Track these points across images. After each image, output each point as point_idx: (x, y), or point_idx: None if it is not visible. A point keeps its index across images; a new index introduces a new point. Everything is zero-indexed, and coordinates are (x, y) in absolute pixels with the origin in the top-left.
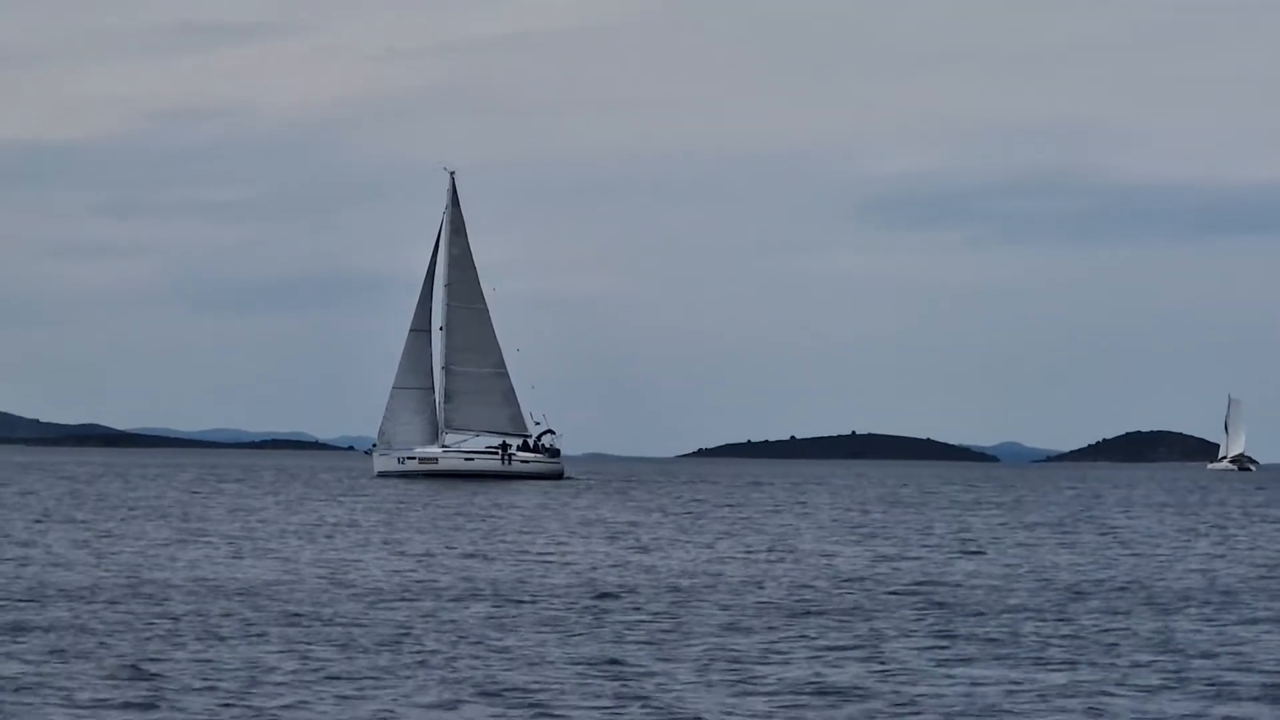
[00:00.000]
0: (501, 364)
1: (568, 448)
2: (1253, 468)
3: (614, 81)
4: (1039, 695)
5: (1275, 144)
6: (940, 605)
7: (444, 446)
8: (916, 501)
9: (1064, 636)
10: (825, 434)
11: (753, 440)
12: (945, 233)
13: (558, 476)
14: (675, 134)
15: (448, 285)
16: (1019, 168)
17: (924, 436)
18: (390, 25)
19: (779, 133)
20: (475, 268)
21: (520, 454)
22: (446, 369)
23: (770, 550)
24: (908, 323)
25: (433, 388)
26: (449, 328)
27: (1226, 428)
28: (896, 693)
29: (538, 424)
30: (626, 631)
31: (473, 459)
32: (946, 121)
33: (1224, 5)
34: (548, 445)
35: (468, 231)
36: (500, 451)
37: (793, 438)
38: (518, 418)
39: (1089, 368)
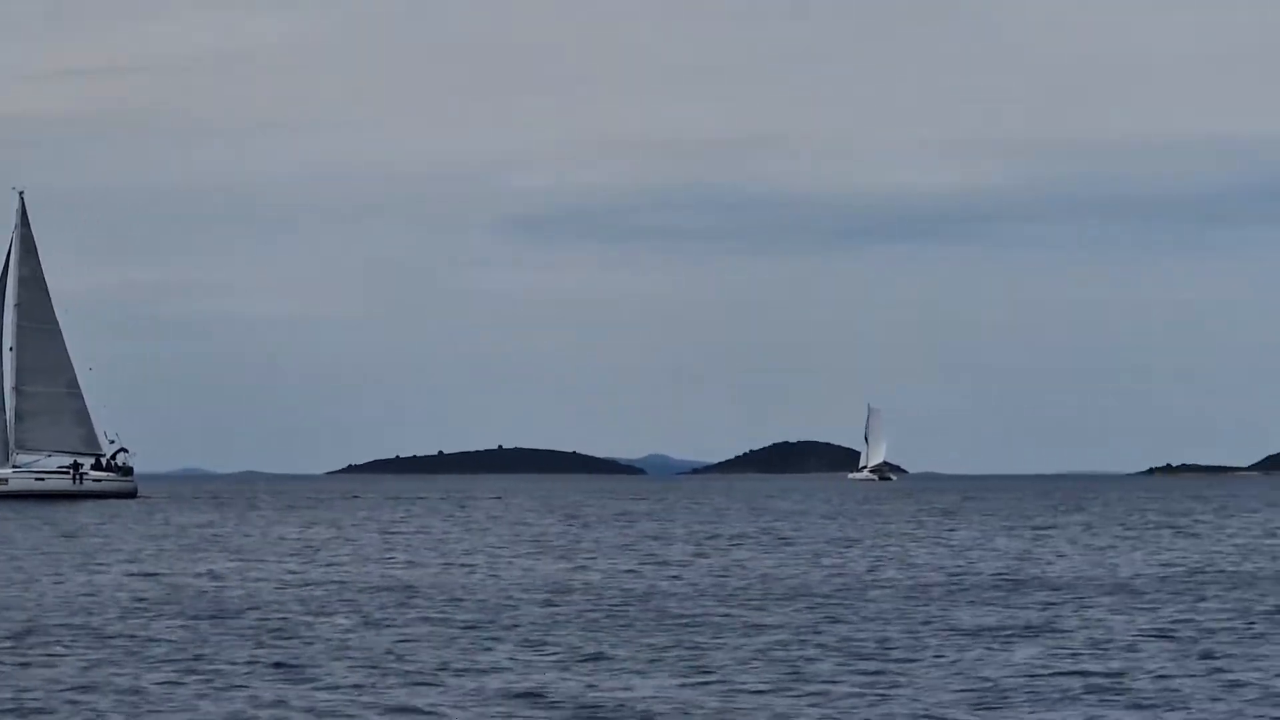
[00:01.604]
0: (75, 384)
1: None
2: (893, 477)
3: (271, 101)
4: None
5: (914, 154)
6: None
7: (15, 467)
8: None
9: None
10: (473, 448)
11: (401, 455)
12: (592, 247)
13: (131, 495)
14: (327, 152)
15: (18, 305)
16: (664, 181)
17: (570, 450)
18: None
19: (428, 150)
20: (47, 288)
21: (93, 473)
22: (17, 389)
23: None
24: (554, 337)
25: (3, 408)
26: (19, 347)
27: (867, 437)
28: None
29: (111, 442)
30: None
31: (44, 479)
32: (598, 137)
33: (858, 17)
34: (121, 464)
35: (39, 252)
36: (72, 471)
37: (440, 453)
38: (90, 437)
39: (736, 380)
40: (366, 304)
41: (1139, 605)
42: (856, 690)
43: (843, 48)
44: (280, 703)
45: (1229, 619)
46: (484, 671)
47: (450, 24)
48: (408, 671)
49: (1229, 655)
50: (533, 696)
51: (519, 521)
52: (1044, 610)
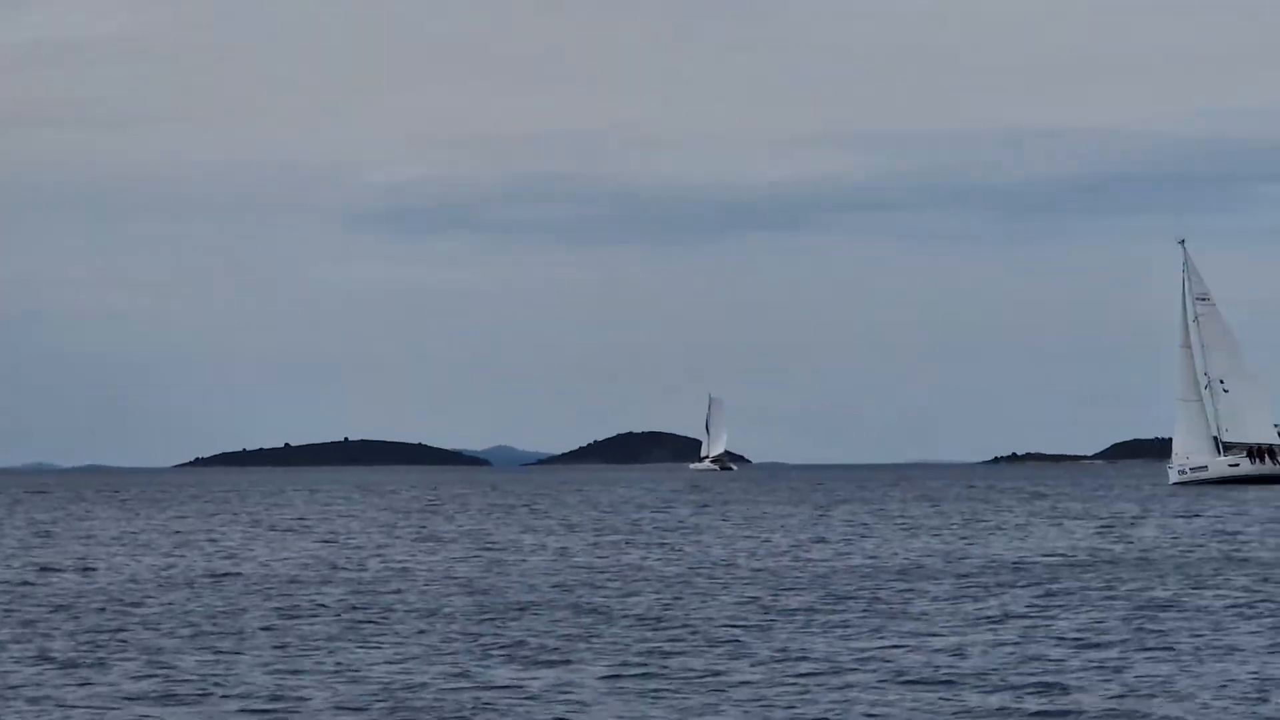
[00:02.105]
0: None
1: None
2: (734, 467)
3: (117, 94)
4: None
5: (755, 147)
6: None
7: None
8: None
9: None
10: (319, 440)
11: (248, 449)
12: (439, 241)
13: None
14: (170, 146)
15: None
16: (511, 175)
17: (416, 441)
18: None
19: (275, 145)
20: None
21: None
22: None
23: None
24: (400, 329)
25: None
26: None
27: (708, 428)
28: None
29: None
30: None
31: None
32: (445, 133)
33: (699, 9)
34: None
35: None
36: None
37: (287, 445)
38: None
39: (581, 371)
40: (213, 298)
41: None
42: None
43: (682, 41)
44: None
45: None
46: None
47: (302, 20)
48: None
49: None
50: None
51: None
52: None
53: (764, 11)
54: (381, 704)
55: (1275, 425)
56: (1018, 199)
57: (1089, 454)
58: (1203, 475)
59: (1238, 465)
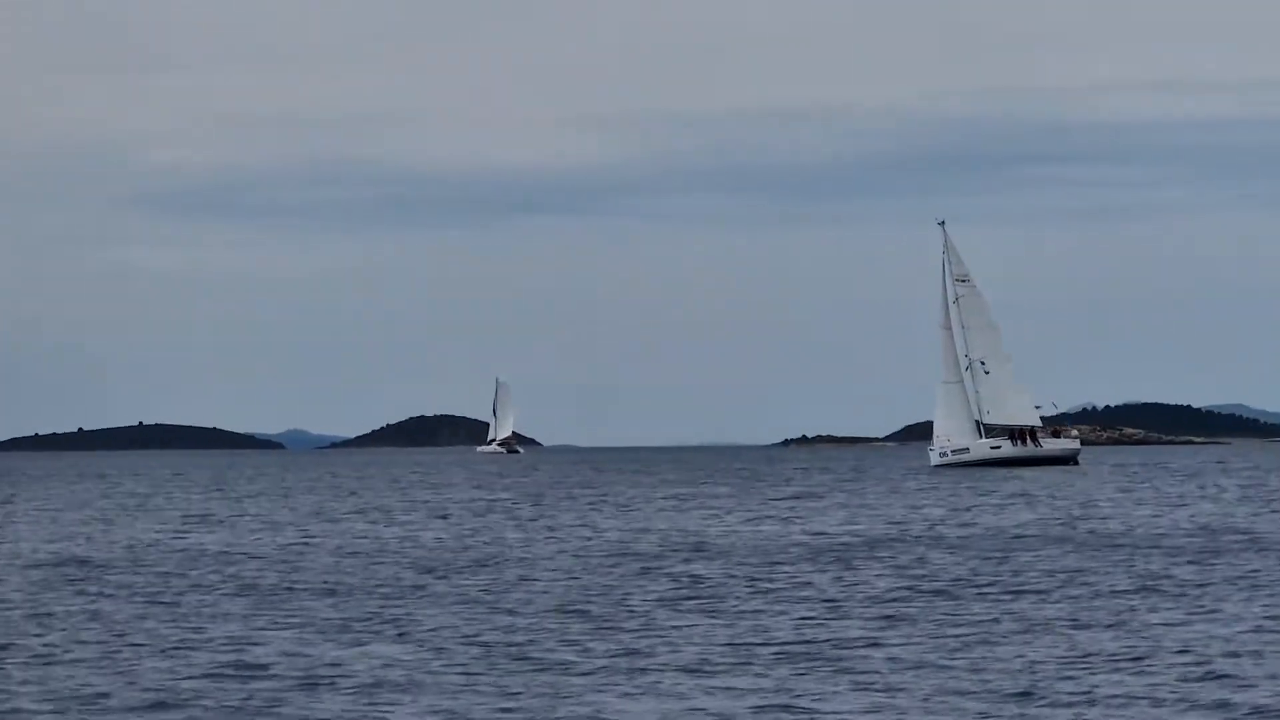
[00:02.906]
0: None
1: None
2: (521, 450)
3: None
4: None
5: (538, 129)
6: None
7: None
8: None
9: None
10: (113, 425)
11: (40, 433)
12: (229, 223)
13: None
14: None
15: None
16: (299, 158)
17: (211, 425)
18: None
19: (53, 125)
20: None
21: None
22: None
23: None
24: (193, 312)
25: None
26: None
27: (495, 411)
28: None
29: None
30: None
31: None
32: (235, 114)
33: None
34: None
35: None
36: None
37: (80, 430)
38: None
39: (372, 354)
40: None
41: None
42: None
43: (455, 24)
44: None
45: None
46: None
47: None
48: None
49: None
50: None
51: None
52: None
53: None
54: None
55: (1037, 407)
56: (793, 180)
57: (880, 436)
58: (964, 457)
59: (999, 447)
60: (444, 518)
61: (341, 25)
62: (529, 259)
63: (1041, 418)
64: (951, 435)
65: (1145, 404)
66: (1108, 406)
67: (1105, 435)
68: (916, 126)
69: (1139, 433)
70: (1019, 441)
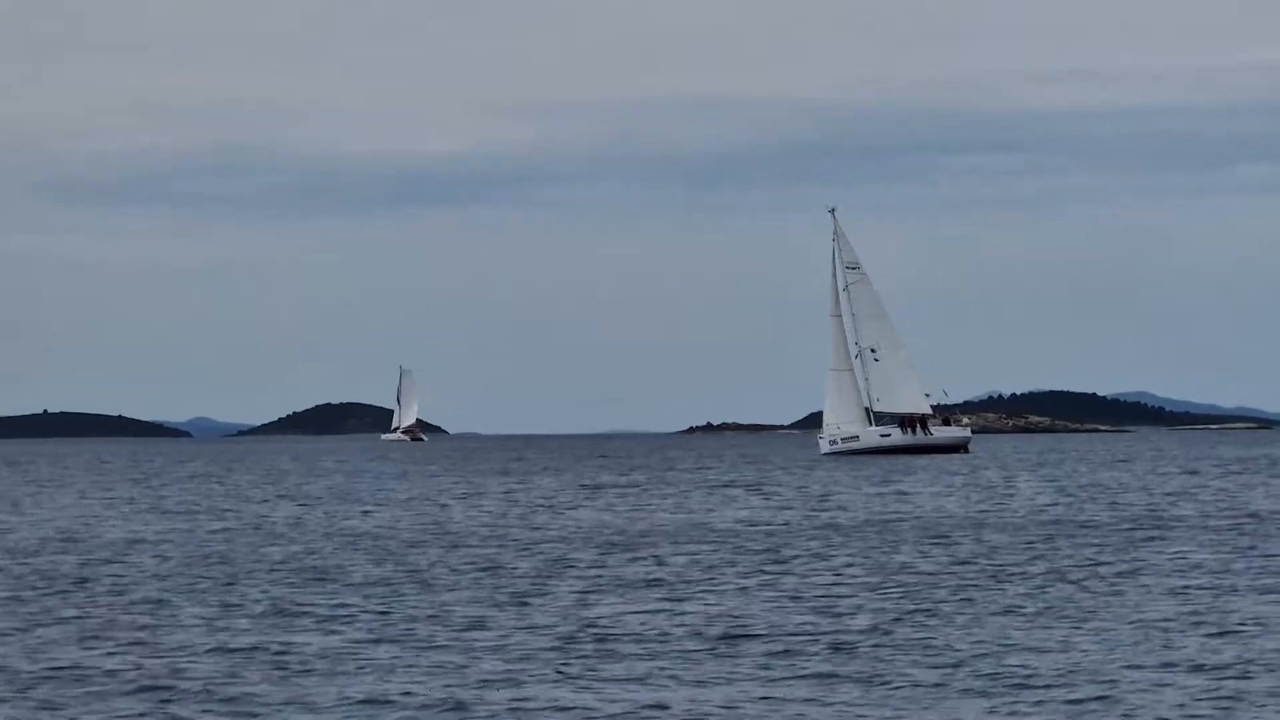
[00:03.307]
0: None
1: None
2: (425, 437)
3: None
4: None
5: (449, 118)
6: None
7: None
8: None
9: None
10: (17, 413)
11: None
12: (136, 212)
13: None
14: None
15: None
16: (208, 147)
17: (116, 414)
18: None
19: None
20: None
21: None
22: None
23: None
24: (99, 301)
25: None
26: None
27: (399, 399)
28: None
29: None
30: None
31: None
32: (141, 104)
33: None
34: None
35: None
36: None
37: None
38: None
39: (280, 342)
40: None
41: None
42: None
43: (360, 14)
44: None
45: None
46: None
47: None
48: None
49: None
50: None
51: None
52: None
53: None
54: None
55: (926, 395)
56: (701, 169)
57: (785, 423)
58: (854, 445)
59: (889, 435)
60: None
61: (247, 17)
62: (437, 248)
63: (933, 406)
64: (841, 423)
65: (1051, 392)
66: (1014, 394)
67: (1011, 423)
68: (823, 116)
69: (1045, 420)
70: (909, 430)
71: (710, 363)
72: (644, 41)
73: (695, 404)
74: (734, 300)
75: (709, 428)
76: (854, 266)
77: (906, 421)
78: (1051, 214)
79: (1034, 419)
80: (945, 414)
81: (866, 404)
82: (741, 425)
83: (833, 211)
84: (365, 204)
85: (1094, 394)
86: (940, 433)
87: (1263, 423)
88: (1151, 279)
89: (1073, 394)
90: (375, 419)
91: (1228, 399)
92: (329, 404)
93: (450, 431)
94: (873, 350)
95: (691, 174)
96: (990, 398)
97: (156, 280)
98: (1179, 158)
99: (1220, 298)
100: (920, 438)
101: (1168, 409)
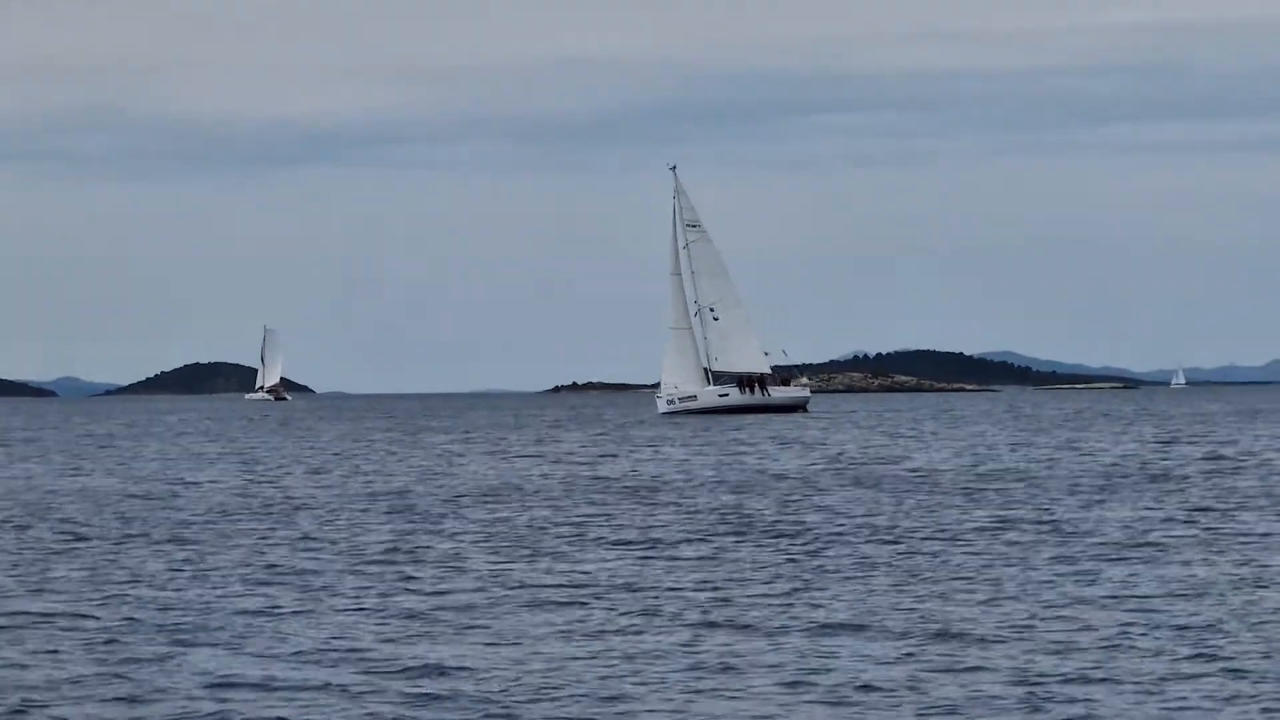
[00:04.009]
0: None
1: None
2: (289, 396)
3: None
4: None
5: (314, 78)
6: None
7: None
8: None
9: None
10: None
11: None
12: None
13: None
14: None
15: None
16: (69, 104)
17: None
18: None
19: None
20: None
21: None
22: None
23: None
24: None
25: None
26: None
27: (263, 358)
28: None
29: None
30: None
31: None
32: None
33: None
34: None
35: None
36: None
37: None
38: None
39: (148, 301)
40: None
41: None
42: None
43: None
44: None
45: None
46: None
47: None
48: None
49: None
50: None
51: None
52: None
53: None
54: None
55: (766, 354)
56: (567, 130)
57: (648, 383)
58: (691, 405)
59: (727, 395)
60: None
61: None
62: (303, 207)
63: (773, 366)
64: (680, 383)
65: (918, 351)
66: (880, 354)
67: (877, 382)
68: (682, 77)
69: (911, 380)
70: (748, 389)
71: (576, 322)
72: (508, 5)
73: (562, 363)
74: (598, 260)
75: (574, 387)
76: (694, 224)
77: (745, 381)
78: (917, 174)
79: (900, 378)
80: (785, 374)
81: (705, 363)
82: (607, 385)
83: (673, 169)
84: (235, 164)
85: (960, 353)
86: (778, 393)
87: (1129, 382)
88: (1016, 240)
89: (939, 353)
90: (243, 379)
91: (1094, 358)
92: (197, 364)
93: (318, 391)
94: (711, 309)
95: (562, 135)
96: (856, 357)
97: (22, 237)
98: (1042, 118)
99: (1086, 258)
100: (758, 398)
101: (1034, 368)
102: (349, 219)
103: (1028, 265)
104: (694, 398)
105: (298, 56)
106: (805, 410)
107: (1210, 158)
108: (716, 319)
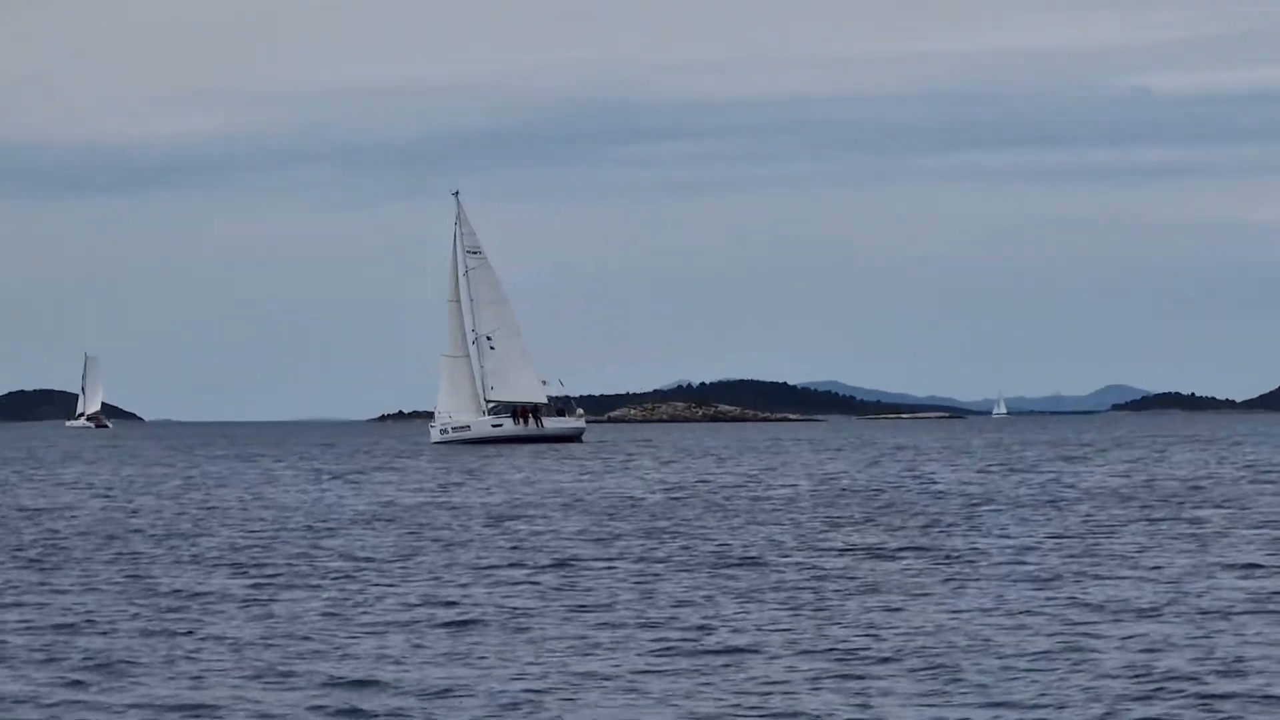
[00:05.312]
0: None
1: None
2: (110, 424)
3: None
4: None
5: (138, 103)
6: None
7: None
8: None
9: None
10: None
11: None
12: None
13: None
14: None
15: None
16: None
17: None
18: None
19: None
20: None
21: None
22: None
23: None
24: None
25: None
26: None
27: (84, 386)
28: None
29: None
30: None
31: None
32: None
33: None
34: None
35: None
36: None
37: None
38: None
39: None
40: None
41: None
42: None
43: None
44: None
45: None
46: None
47: None
48: None
49: None
50: None
51: None
52: None
53: None
54: None
55: (544, 383)
56: (388, 157)
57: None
58: (465, 435)
59: (501, 425)
60: None
61: None
62: (132, 234)
63: (550, 396)
64: (453, 411)
65: (741, 380)
66: (703, 383)
67: (700, 412)
68: (503, 104)
69: (734, 409)
70: (522, 420)
71: (400, 351)
72: (330, 30)
73: (390, 392)
74: (420, 288)
75: (400, 415)
76: (475, 251)
77: (519, 411)
78: (737, 202)
79: (724, 408)
80: (561, 405)
81: (481, 393)
82: (428, 413)
83: (456, 195)
84: (55, 188)
85: (785, 383)
86: (552, 424)
87: (955, 411)
88: (840, 268)
89: (763, 383)
90: (69, 406)
91: (919, 388)
92: (22, 391)
93: (145, 419)
94: (489, 338)
95: (386, 162)
96: (680, 386)
97: None
98: (863, 146)
99: (908, 288)
100: (532, 429)
101: (859, 398)
102: (178, 245)
103: (852, 294)
104: (467, 427)
105: (121, 81)
106: (580, 441)
107: (1033, 187)
108: (493, 348)
